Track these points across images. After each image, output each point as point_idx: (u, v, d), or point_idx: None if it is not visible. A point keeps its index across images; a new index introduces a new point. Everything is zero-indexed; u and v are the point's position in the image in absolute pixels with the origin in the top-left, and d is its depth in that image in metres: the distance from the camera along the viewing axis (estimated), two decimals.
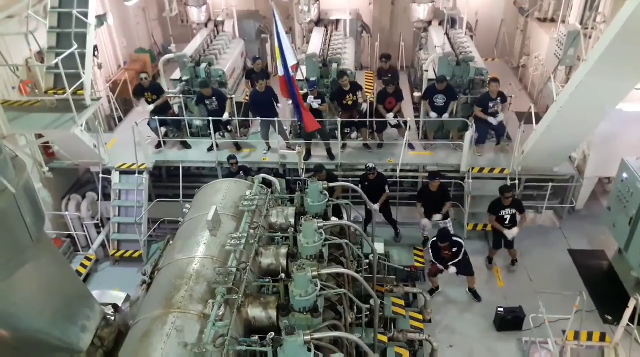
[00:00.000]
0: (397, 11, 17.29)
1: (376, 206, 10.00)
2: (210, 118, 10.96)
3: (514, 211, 9.48)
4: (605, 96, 8.50)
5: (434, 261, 9.17)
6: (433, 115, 11.29)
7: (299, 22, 14.75)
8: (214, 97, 11.17)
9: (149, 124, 11.58)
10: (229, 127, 11.64)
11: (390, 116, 11.28)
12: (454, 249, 8.88)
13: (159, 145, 11.86)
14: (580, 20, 12.66)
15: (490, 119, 10.87)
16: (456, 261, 8.99)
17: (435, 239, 9.01)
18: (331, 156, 11.39)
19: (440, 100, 11.05)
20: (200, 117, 11.60)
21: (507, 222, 9.55)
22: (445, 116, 11.18)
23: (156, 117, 11.13)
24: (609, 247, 10.43)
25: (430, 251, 9.21)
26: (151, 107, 11.32)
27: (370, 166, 9.97)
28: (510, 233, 9.55)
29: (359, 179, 10.23)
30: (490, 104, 10.75)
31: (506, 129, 11.52)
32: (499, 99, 10.75)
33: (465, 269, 9.26)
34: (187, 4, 13.99)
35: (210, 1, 14.49)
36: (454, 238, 8.91)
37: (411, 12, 14.30)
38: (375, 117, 11.45)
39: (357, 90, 11.17)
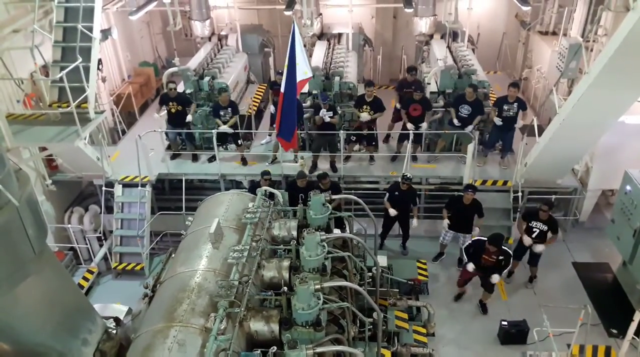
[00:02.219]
0: (399, 25, 17.42)
1: (415, 222, 10.21)
2: (223, 129, 10.90)
3: (545, 228, 9.26)
4: (607, 108, 8.50)
5: (465, 267, 8.94)
6: (456, 121, 11.12)
7: (301, 35, 14.85)
8: (229, 109, 11.04)
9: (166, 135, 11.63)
10: (239, 141, 11.45)
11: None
12: (501, 258, 8.65)
13: (174, 156, 11.84)
14: (581, 33, 12.75)
15: (496, 120, 10.79)
16: (500, 269, 8.77)
17: (480, 238, 8.81)
18: (334, 168, 11.39)
19: (465, 111, 10.90)
20: (209, 130, 11.42)
21: (534, 235, 9.36)
22: (469, 128, 10.93)
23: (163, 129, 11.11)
24: (613, 259, 10.34)
25: (466, 250, 8.96)
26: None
27: (408, 176, 9.78)
28: (537, 247, 9.35)
29: (387, 187, 10.15)
30: (505, 107, 10.67)
31: (512, 144, 11.37)
32: (515, 104, 10.64)
33: (487, 284, 9.17)
34: (190, 18, 14.13)
35: (213, 15, 14.64)
36: (505, 248, 8.69)
37: (413, 25, 14.38)
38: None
39: (378, 110, 11.10)
